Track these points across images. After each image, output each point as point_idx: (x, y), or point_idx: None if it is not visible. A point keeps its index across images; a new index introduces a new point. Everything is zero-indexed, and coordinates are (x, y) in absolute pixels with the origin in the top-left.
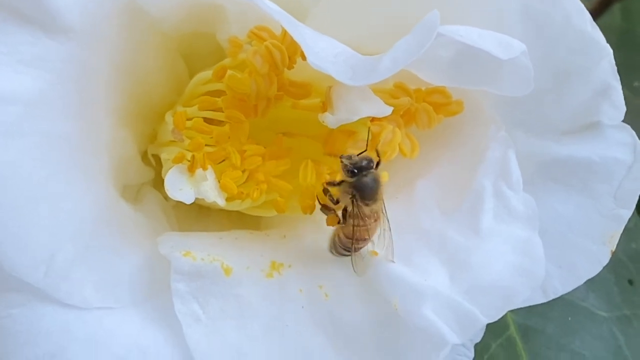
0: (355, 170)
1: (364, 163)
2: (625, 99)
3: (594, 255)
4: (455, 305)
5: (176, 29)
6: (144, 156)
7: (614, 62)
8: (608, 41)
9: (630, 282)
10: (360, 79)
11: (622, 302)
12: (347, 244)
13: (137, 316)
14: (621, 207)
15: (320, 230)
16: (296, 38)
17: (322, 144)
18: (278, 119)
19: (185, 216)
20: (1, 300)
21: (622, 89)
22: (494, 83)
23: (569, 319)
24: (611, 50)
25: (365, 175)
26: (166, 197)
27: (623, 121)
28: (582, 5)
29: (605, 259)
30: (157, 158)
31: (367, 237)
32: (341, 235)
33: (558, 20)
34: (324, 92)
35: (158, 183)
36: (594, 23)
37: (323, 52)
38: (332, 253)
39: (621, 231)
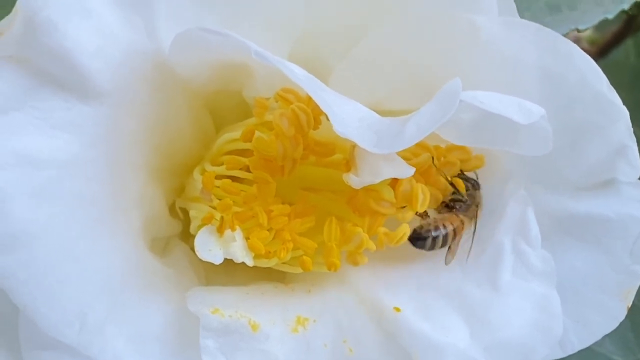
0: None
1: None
2: (638, 140)
3: (610, 311)
4: None
5: (204, 87)
6: (172, 208)
7: (630, 123)
8: (621, 80)
9: None
10: (384, 147)
11: (637, 347)
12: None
13: None
14: (637, 263)
15: (343, 284)
16: (321, 105)
17: (345, 200)
18: (302, 176)
19: (213, 268)
20: (36, 359)
21: (635, 129)
22: (513, 144)
23: None
24: (627, 112)
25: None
26: (194, 250)
27: None
28: (598, 68)
29: (622, 315)
30: (184, 211)
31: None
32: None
33: (574, 82)
34: (347, 149)
35: (186, 235)
36: (610, 85)
37: (348, 117)
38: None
39: (637, 287)
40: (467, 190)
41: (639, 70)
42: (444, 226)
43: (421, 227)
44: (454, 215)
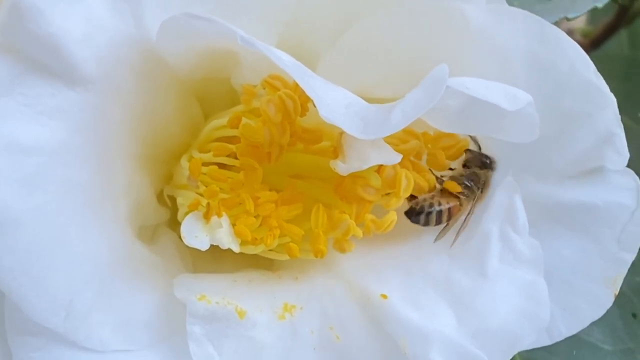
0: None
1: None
2: (628, 130)
3: (597, 298)
4: (462, 351)
5: (192, 74)
6: (160, 196)
7: (617, 110)
8: (613, 71)
9: (634, 315)
10: (371, 133)
11: (626, 336)
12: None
13: (153, 358)
14: (625, 250)
15: (330, 272)
16: (308, 91)
17: (332, 187)
18: (290, 163)
19: (200, 255)
20: (22, 344)
21: (626, 119)
22: (500, 131)
23: (574, 352)
24: (614, 99)
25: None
26: (181, 237)
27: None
28: (586, 55)
29: (609, 302)
30: (172, 198)
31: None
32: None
33: (563, 69)
34: (334, 136)
35: (173, 223)
36: (598, 73)
37: (334, 103)
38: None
39: (625, 274)
40: (470, 169)
41: (632, 61)
42: (439, 203)
43: (417, 202)
44: (452, 195)
